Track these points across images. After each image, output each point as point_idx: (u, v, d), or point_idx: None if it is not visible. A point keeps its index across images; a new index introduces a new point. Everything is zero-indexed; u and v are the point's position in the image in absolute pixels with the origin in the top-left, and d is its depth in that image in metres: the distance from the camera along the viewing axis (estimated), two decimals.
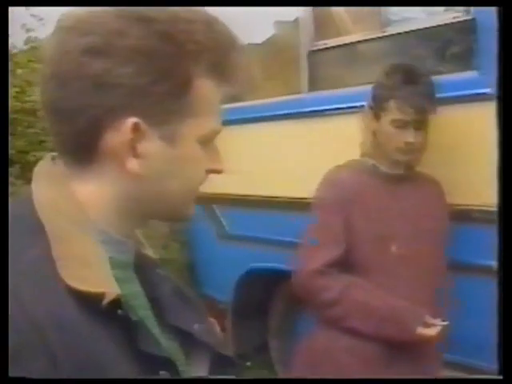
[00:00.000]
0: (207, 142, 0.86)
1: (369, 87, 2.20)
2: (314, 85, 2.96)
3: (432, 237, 2.11)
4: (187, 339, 0.90)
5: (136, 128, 0.78)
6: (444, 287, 2.15)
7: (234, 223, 3.43)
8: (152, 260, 0.98)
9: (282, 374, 3.41)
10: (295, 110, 3.00)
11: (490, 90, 2.24)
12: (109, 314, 0.73)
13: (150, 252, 0.98)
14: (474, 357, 2.38)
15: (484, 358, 2.37)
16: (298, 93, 3.03)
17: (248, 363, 3.72)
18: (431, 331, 1.97)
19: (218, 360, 0.91)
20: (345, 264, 2.05)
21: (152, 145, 0.80)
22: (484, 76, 2.23)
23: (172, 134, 0.81)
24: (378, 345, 2.02)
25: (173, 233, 3.91)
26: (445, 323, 1.98)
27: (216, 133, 0.87)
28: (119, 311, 0.74)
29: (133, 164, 0.80)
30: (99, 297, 0.72)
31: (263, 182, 3.14)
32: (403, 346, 2.03)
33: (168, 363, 0.80)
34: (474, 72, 2.31)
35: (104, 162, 0.81)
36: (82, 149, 0.81)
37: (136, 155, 0.80)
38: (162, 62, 0.78)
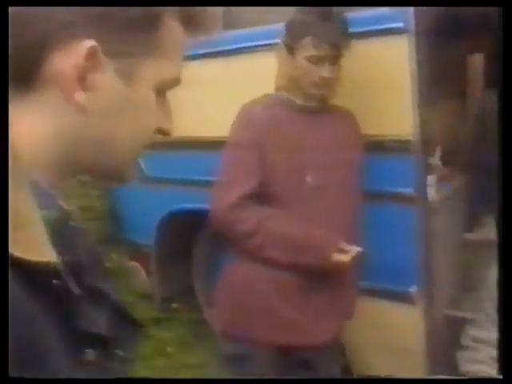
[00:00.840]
0: (162, 92, 0.78)
1: (283, 25, 2.19)
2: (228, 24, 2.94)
3: (346, 167, 2.17)
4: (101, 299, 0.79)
5: (91, 53, 0.68)
6: (360, 216, 2.22)
7: (153, 166, 3.38)
8: (67, 212, 0.80)
9: (207, 315, 3.46)
10: (211, 50, 2.97)
11: (403, 24, 2.29)
12: (44, 284, 0.63)
13: (65, 203, 0.80)
14: (392, 282, 2.48)
15: (401, 282, 2.50)
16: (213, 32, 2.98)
17: (174, 305, 3.77)
18: (346, 257, 2.03)
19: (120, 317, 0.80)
20: (261, 196, 2.07)
21: (105, 78, 0.71)
22: (396, 11, 2.28)
23: (130, 70, 0.72)
24: (296, 274, 2.07)
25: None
26: (359, 249, 2.04)
27: (175, 82, 0.79)
28: (55, 281, 0.64)
29: (81, 97, 0.70)
30: (35, 265, 0.61)
31: (180, 122, 3.10)
32: (320, 275, 2.09)
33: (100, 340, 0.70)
34: (386, 8, 2.34)
35: (48, 90, 0.70)
36: (25, 71, 0.70)
37: (86, 87, 0.70)
38: None
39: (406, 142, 2.32)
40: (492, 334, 2.14)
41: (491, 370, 2.11)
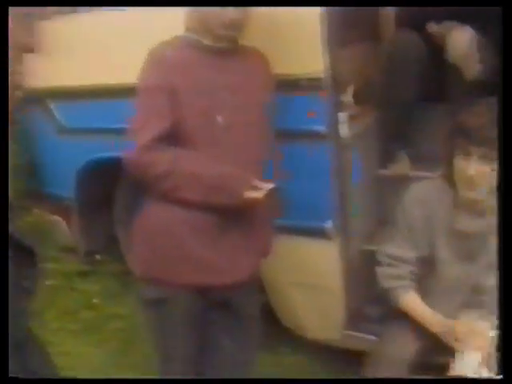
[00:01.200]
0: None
1: None
2: None
3: (258, 106, 2.17)
4: None
5: None
6: (273, 154, 2.25)
7: (69, 116, 3.32)
8: None
9: (130, 264, 3.45)
10: None
11: None
12: None
13: None
14: (308, 218, 2.53)
15: (317, 218, 2.54)
16: None
17: (97, 256, 3.75)
18: (258, 194, 2.05)
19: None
20: (173, 138, 2.06)
21: None
22: None
23: None
24: (211, 213, 2.09)
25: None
26: (272, 185, 2.07)
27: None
28: None
29: None
30: None
31: (93, 71, 3.04)
32: (235, 213, 2.11)
33: None
34: None
35: None
36: None
37: None
38: None
39: (317, 80, 2.34)
40: (407, 252, 2.23)
41: (409, 284, 2.26)
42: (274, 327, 2.95)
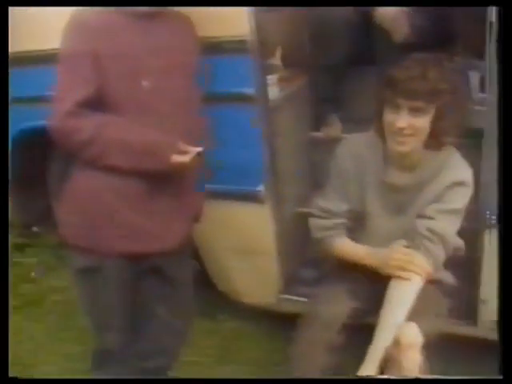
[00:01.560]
0: None
1: None
2: None
3: (183, 70, 2.14)
4: None
5: None
6: (200, 118, 2.22)
7: None
8: None
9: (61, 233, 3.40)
10: None
11: None
12: None
13: None
14: (240, 183, 2.52)
15: (248, 182, 2.54)
16: None
17: (34, 229, 3.69)
18: (185, 158, 2.03)
19: None
20: (98, 104, 2.02)
21: None
22: None
23: None
24: (139, 179, 2.06)
25: None
26: (199, 149, 2.05)
27: None
28: None
29: None
30: None
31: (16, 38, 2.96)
32: (163, 178, 2.09)
33: None
34: None
35: None
36: None
37: None
38: None
39: (243, 42, 2.31)
40: (338, 204, 2.25)
41: (341, 233, 2.29)
42: (212, 294, 2.96)
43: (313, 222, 2.34)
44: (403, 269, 2.10)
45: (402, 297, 2.09)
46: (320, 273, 2.47)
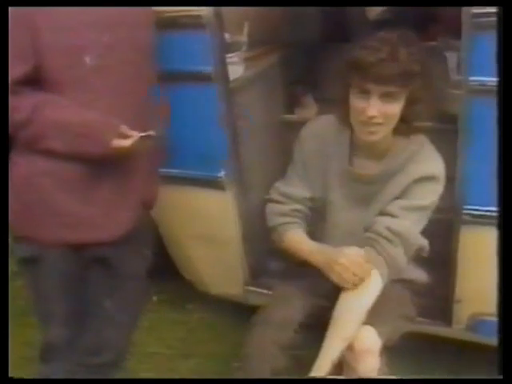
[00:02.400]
0: None
1: None
2: None
3: (133, 46, 1.96)
4: None
5: None
6: (153, 98, 2.05)
7: None
8: None
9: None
10: None
11: None
12: None
13: None
14: (200, 168, 2.37)
15: (209, 168, 2.38)
16: None
17: None
18: (127, 142, 1.87)
19: None
20: (36, 82, 1.86)
21: None
22: None
23: None
24: (79, 164, 1.89)
25: None
26: (145, 133, 1.88)
27: None
28: None
29: None
30: None
31: None
32: (106, 163, 1.92)
33: None
34: None
35: None
36: None
37: None
38: None
39: (199, 17, 2.14)
40: (298, 190, 2.08)
41: (295, 222, 2.14)
42: (182, 283, 2.84)
43: (269, 207, 2.20)
44: (343, 278, 1.93)
45: (350, 311, 1.92)
46: (287, 265, 2.31)
